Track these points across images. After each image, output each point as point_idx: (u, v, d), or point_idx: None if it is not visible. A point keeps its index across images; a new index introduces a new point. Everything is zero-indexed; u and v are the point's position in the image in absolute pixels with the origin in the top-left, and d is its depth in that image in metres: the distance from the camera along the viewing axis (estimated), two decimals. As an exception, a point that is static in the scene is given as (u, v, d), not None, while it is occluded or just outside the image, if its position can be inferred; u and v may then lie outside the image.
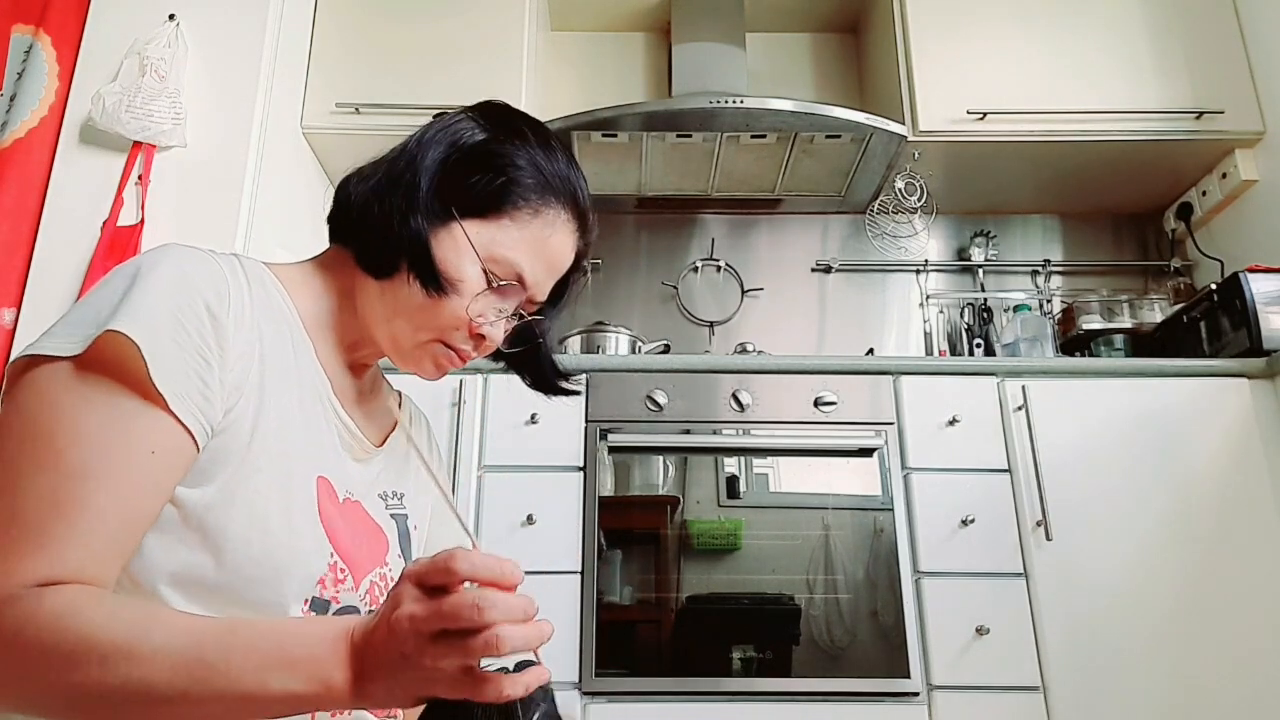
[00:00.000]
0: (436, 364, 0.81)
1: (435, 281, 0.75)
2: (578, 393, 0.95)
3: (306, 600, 0.73)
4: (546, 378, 0.92)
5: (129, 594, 0.67)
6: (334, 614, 0.76)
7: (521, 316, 0.83)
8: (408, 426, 0.94)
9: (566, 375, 0.93)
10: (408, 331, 0.79)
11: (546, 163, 0.80)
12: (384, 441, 0.88)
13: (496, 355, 0.87)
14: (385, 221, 0.76)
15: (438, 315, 0.77)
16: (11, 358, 0.67)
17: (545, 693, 0.63)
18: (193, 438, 0.66)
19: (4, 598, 0.58)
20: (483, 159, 0.79)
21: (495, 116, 0.83)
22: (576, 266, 0.87)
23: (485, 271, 0.77)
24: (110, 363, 0.64)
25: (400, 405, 0.95)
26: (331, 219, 0.83)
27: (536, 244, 0.79)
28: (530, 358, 0.90)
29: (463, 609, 0.54)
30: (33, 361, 0.65)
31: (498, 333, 0.81)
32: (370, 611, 0.75)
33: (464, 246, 0.77)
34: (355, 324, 0.82)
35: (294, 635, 0.60)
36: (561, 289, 0.87)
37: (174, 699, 0.57)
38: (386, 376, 0.96)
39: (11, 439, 0.63)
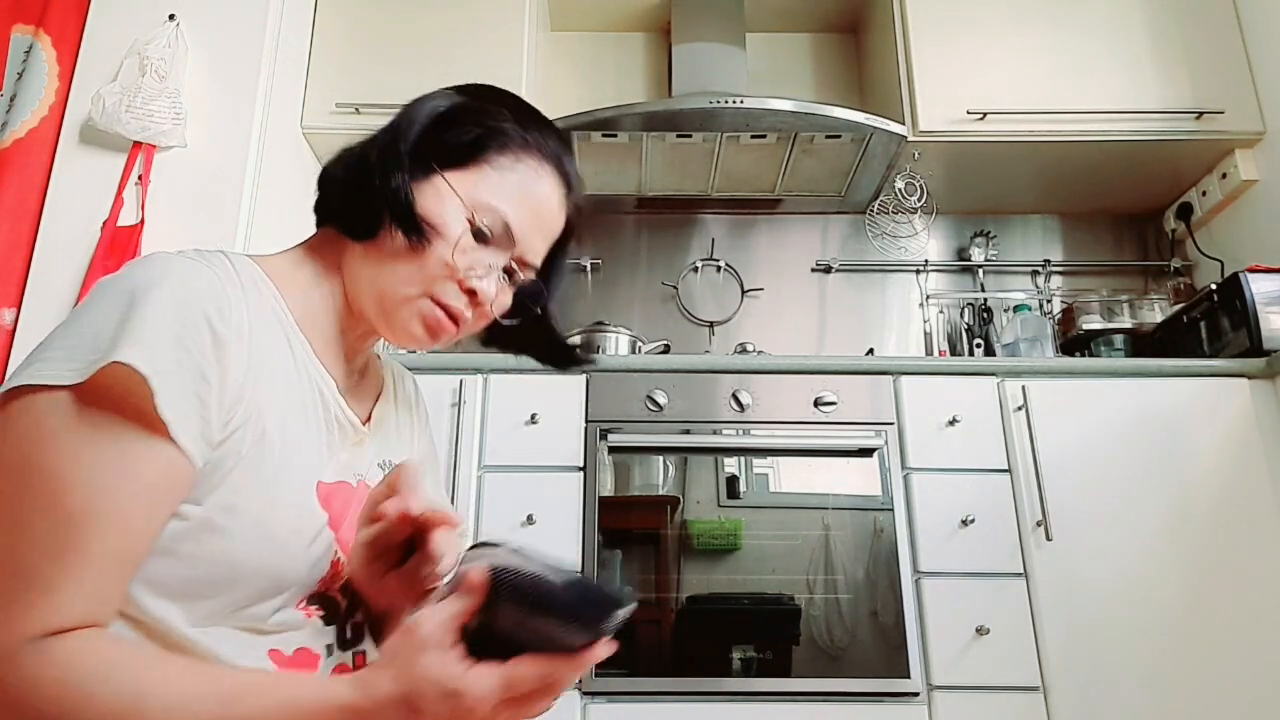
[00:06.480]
0: (426, 324, 0.78)
1: (417, 228, 0.75)
2: (591, 361, 0.95)
3: (302, 600, 0.73)
4: (555, 349, 0.91)
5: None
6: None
7: (511, 275, 0.81)
8: (393, 387, 0.93)
9: (574, 346, 0.93)
10: (393, 286, 0.77)
11: (526, 124, 0.82)
12: (369, 417, 0.87)
13: (492, 334, 0.86)
14: (367, 182, 0.77)
15: (423, 265, 0.76)
16: (6, 380, 0.64)
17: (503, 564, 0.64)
18: (191, 461, 0.65)
19: (8, 653, 0.58)
20: (460, 117, 0.81)
21: (475, 89, 0.85)
22: (568, 236, 0.86)
23: (470, 219, 0.77)
24: (114, 395, 0.62)
25: (384, 367, 0.94)
26: (317, 204, 0.83)
27: (520, 190, 0.79)
28: (534, 331, 0.88)
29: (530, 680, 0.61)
30: (28, 389, 0.62)
31: (489, 287, 0.78)
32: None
33: (446, 194, 0.77)
34: (348, 309, 0.81)
35: (300, 704, 0.61)
36: (555, 261, 0.87)
37: None
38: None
39: (10, 478, 0.61)
